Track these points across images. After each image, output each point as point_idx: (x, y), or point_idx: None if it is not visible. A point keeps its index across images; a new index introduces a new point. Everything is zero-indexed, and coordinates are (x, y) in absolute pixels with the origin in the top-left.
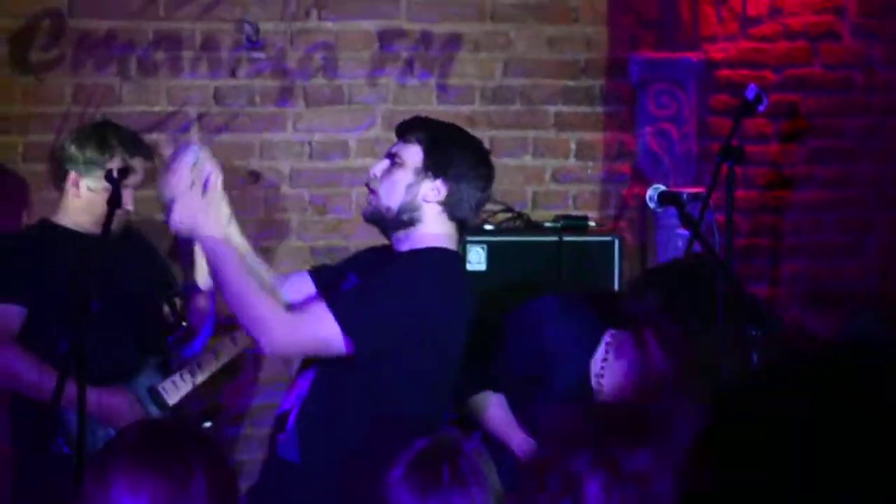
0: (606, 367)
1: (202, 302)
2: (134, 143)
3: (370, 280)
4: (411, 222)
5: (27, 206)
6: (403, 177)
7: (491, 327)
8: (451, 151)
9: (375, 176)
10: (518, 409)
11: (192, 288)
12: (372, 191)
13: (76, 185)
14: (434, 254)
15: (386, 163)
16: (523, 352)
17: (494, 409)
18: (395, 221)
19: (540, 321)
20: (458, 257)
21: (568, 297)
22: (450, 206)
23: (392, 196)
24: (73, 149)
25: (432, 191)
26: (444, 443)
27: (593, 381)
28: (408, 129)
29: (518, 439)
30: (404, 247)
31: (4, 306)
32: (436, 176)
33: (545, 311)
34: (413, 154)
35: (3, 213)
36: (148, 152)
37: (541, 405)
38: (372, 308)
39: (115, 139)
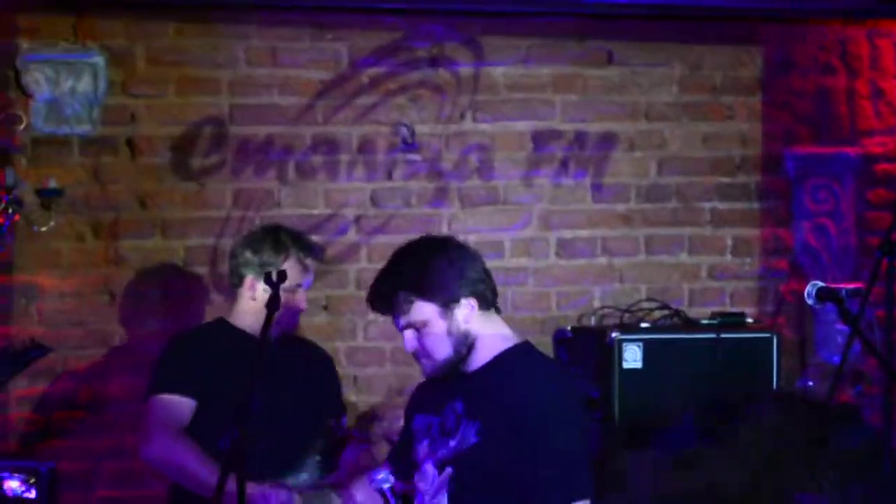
0: None
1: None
2: (306, 243)
3: (536, 437)
4: (472, 345)
5: (201, 307)
6: (438, 329)
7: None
8: (429, 272)
9: (415, 349)
10: None
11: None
12: (421, 359)
13: (252, 288)
14: (521, 355)
15: (410, 334)
16: None
17: None
18: (460, 358)
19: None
20: (528, 344)
21: None
22: (476, 302)
23: (444, 349)
24: (248, 253)
25: (465, 310)
26: None
27: None
28: (386, 302)
29: None
30: (476, 365)
31: (178, 398)
32: (453, 300)
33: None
34: (419, 311)
35: (184, 313)
36: (319, 252)
37: None
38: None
39: (289, 240)
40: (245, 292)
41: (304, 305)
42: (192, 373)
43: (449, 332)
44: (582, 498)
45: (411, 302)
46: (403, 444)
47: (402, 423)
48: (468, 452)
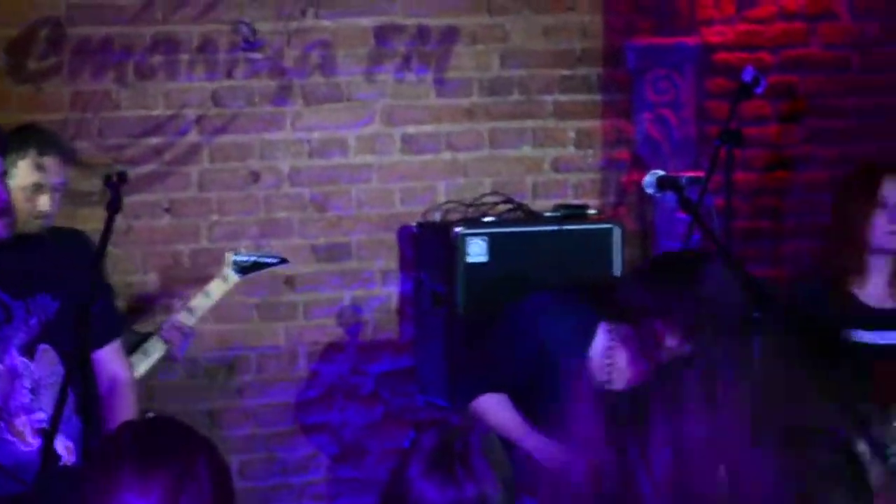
0: (613, 358)
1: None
2: (44, 140)
3: None
4: None
5: None
6: None
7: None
8: None
9: None
10: (522, 407)
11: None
12: None
13: None
14: None
15: None
16: (521, 350)
17: (501, 410)
18: None
19: (534, 319)
20: None
21: (558, 292)
22: None
23: None
24: None
25: None
26: (454, 436)
27: (600, 371)
28: None
29: (531, 439)
30: None
31: None
32: None
33: (538, 309)
34: None
35: None
36: (61, 151)
37: (546, 402)
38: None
39: (20, 139)
40: None
41: (44, 208)
42: None
43: None
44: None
45: None
46: None
47: None
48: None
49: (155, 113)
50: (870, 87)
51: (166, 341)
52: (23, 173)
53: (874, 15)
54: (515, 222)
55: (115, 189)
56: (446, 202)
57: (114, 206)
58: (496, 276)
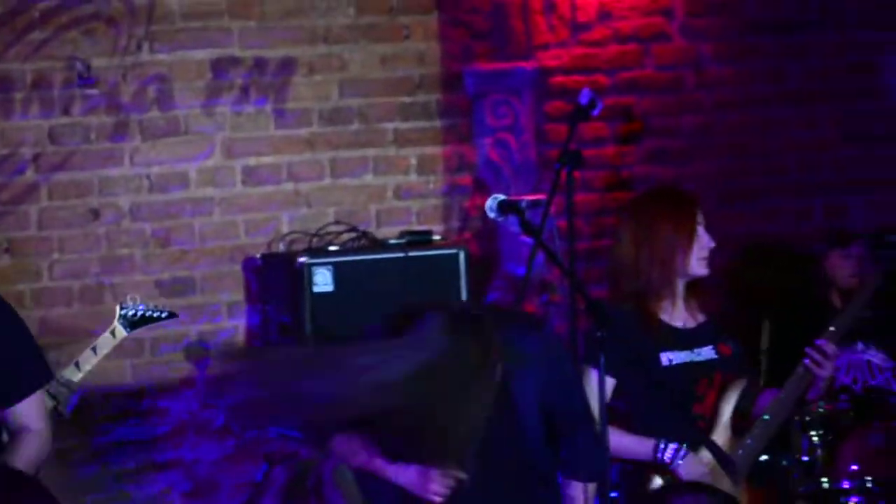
0: None
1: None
2: None
3: None
4: None
5: None
6: None
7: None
8: None
9: None
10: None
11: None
12: None
13: None
14: None
15: None
16: None
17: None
18: None
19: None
20: None
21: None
22: None
23: None
24: None
25: None
26: (307, 470)
27: None
28: None
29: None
30: None
31: None
32: None
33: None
34: None
35: None
36: None
37: None
38: None
39: None
40: None
41: None
42: None
43: None
44: None
45: None
46: None
47: None
48: None
49: None
50: (704, 106)
51: (53, 396)
52: None
53: (705, 35)
54: (360, 251)
55: None
56: (290, 233)
57: None
58: (343, 305)
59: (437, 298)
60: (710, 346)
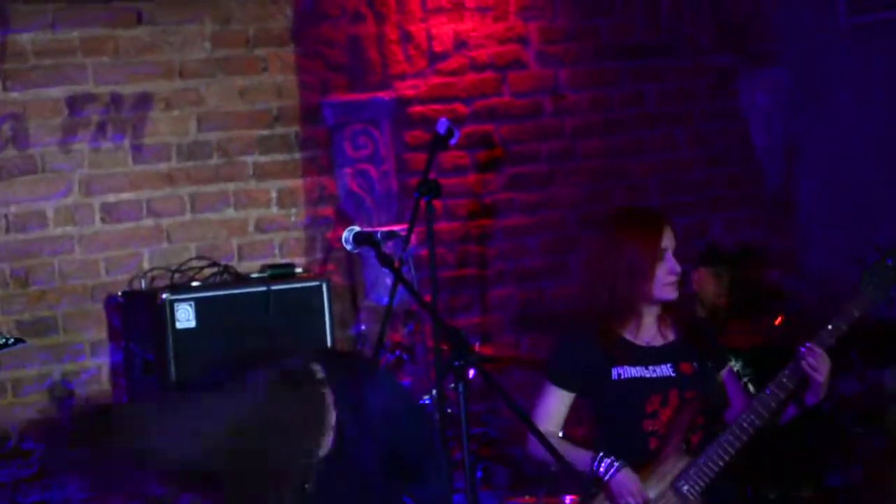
0: None
1: None
2: None
3: None
4: None
5: None
6: None
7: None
8: None
9: None
10: None
11: None
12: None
13: None
14: None
15: None
16: None
17: None
18: None
19: None
20: None
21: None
22: None
23: None
24: None
25: None
26: None
27: None
28: None
29: None
30: None
31: None
32: None
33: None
34: None
35: None
36: None
37: None
38: None
39: None
40: None
41: None
42: None
43: None
44: None
45: None
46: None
47: None
48: None
49: None
50: (562, 131)
51: None
52: None
53: (561, 61)
54: (223, 286)
55: None
56: (152, 269)
57: None
58: (206, 341)
59: (302, 332)
60: (669, 364)
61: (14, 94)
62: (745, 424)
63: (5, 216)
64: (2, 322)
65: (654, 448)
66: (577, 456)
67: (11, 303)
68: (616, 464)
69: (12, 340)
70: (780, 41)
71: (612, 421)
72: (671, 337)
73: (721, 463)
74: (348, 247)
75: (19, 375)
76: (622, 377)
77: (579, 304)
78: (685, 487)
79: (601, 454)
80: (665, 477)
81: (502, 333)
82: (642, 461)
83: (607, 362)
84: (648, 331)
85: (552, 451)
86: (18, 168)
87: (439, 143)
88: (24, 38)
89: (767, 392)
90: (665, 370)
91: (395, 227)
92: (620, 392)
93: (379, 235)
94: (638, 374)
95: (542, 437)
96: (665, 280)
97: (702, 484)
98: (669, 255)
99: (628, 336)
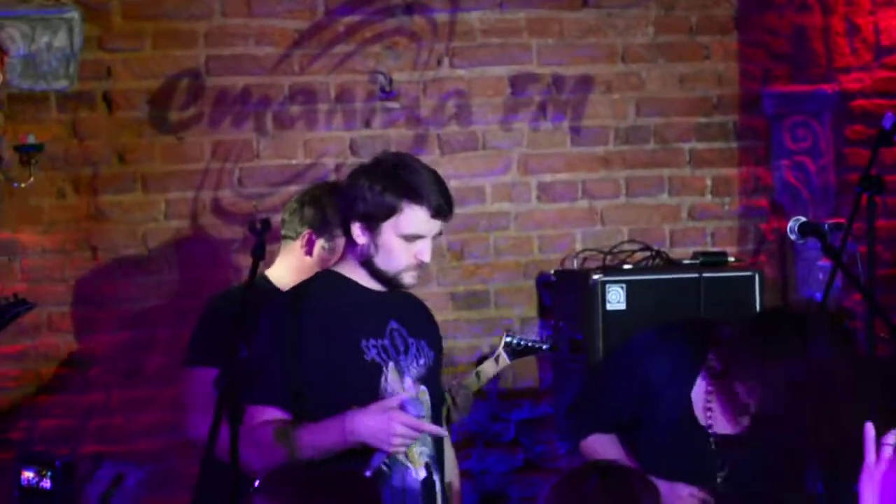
0: (712, 402)
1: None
2: None
3: None
4: None
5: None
6: None
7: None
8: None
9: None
10: (627, 447)
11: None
12: (419, 269)
13: (310, 243)
14: None
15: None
16: (626, 389)
17: (609, 449)
18: None
19: (639, 358)
20: None
21: (663, 331)
22: None
23: None
24: (310, 210)
25: None
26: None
27: (700, 414)
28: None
29: None
30: None
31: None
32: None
33: (643, 348)
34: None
35: (165, 268)
36: None
37: (646, 443)
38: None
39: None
40: (299, 247)
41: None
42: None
43: None
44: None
45: None
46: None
47: None
48: (432, 367)
49: (294, 162)
50: None
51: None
52: None
53: None
54: (654, 270)
55: (260, 236)
56: (584, 250)
57: (258, 253)
58: (634, 324)
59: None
60: None
61: (460, 72)
62: None
63: None
64: (439, 293)
65: None
66: None
67: (447, 275)
68: None
69: (547, 346)
70: None
71: None
72: None
73: None
74: (793, 236)
75: (449, 346)
76: None
77: None
78: None
79: None
80: None
81: None
82: None
83: None
84: None
85: None
86: (461, 144)
87: (884, 138)
88: (473, 17)
89: None
90: None
91: (836, 221)
92: None
93: (826, 227)
94: None
95: None
96: None
97: None
98: None
99: None
